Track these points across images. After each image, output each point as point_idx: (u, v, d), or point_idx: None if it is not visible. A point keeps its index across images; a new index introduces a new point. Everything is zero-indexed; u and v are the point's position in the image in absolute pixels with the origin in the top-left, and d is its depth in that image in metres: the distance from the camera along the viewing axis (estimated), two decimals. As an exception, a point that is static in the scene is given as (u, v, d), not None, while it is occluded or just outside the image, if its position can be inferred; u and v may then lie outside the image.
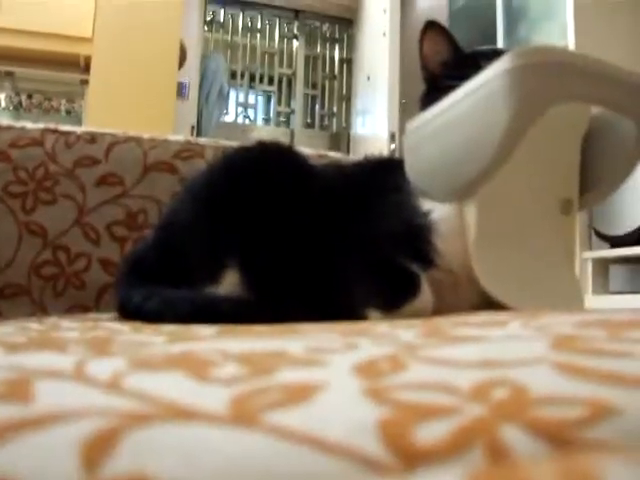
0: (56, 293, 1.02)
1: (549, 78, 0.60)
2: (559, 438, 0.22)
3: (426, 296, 0.65)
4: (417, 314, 0.63)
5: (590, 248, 2.88)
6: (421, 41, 0.79)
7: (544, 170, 0.68)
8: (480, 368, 0.28)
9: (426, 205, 0.68)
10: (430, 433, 0.22)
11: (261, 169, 0.79)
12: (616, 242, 2.71)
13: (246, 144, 0.87)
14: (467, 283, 0.67)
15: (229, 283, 0.72)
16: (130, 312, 0.72)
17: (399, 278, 0.66)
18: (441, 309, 0.66)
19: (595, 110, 0.70)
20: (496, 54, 0.67)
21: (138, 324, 0.63)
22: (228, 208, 0.75)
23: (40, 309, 1.01)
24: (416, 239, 0.67)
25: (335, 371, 0.29)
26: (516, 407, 0.23)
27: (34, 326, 0.64)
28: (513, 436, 0.22)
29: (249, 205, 0.75)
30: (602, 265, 2.85)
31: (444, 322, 0.48)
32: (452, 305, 0.67)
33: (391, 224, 0.69)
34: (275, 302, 0.68)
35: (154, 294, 0.70)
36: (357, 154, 4.37)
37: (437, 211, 0.67)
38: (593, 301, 2.69)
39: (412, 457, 0.21)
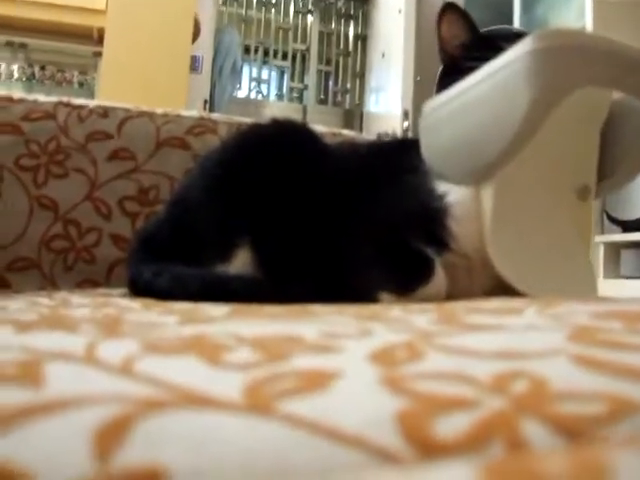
0: (66, 267, 1.02)
1: (572, 62, 0.59)
2: (579, 434, 0.22)
3: (440, 280, 0.65)
4: (430, 298, 0.63)
5: (602, 232, 2.87)
6: (439, 24, 0.77)
7: (562, 155, 0.67)
8: (498, 359, 0.28)
9: (442, 187, 0.67)
10: (450, 426, 0.21)
11: (275, 147, 0.78)
12: (628, 227, 2.70)
13: (260, 121, 0.86)
14: (481, 268, 0.66)
15: (240, 262, 0.72)
16: (140, 288, 0.72)
17: (413, 261, 0.66)
18: (454, 293, 0.66)
19: (616, 95, 0.69)
20: (517, 36, 0.66)
21: (148, 301, 0.63)
22: (241, 186, 0.75)
23: (50, 283, 1.00)
24: (431, 222, 0.66)
25: (350, 358, 0.28)
26: (536, 401, 0.23)
27: (44, 301, 0.64)
28: (533, 431, 0.22)
29: (262, 183, 0.75)
30: (613, 249, 2.83)
31: (458, 308, 0.48)
32: (465, 289, 0.67)
33: (406, 206, 0.68)
34: (286, 282, 0.68)
35: (164, 271, 0.70)
36: (370, 131, 4.37)
37: (453, 194, 0.67)
38: (604, 285, 2.68)
39: (431, 451, 0.21)
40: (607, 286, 2.68)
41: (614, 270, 2.81)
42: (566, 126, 0.65)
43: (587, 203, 0.68)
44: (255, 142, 0.81)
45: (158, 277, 0.70)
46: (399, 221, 0.68)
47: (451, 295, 0.66)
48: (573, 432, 0.22)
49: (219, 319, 0.42)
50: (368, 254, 0.67)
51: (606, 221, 2.86)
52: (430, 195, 0.67)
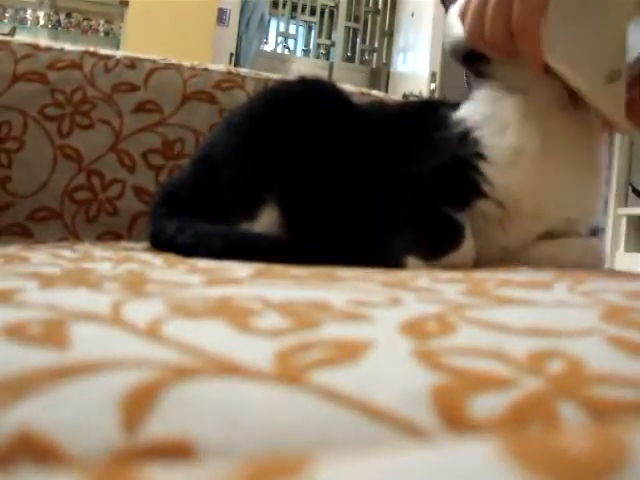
0: (88, 218, 1.02)
1: None
2: (615, 420, 0.21)
3: (468, 248, 0.64)
4: (457, 265, 0.62)
5: (626, 205, 2.83)
6: None
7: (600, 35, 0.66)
8: (532, 336, 0.27)
9: (475, 134, 0.66)
10: (486, 406, 0.21)
11: (303, 106, 0.77)
12: (653, 200, 2.66)
13: (288, 79, 0.85)
14: (516, 217, 0.65)
15: (265, 221, 0.71)
16: (163, 244, 0.72)
17: (443, 227, 0.65)
18: (484, 246, 0.65)
19: None
20: None
21: (171, 257, 0.62)
22: (268, 144, 0.74)
23: (72, 234, 1.00)
24: (464, 168, 0.65)
25: (382, 328, 0.28)
26: (573, 383, 0.22)
27: (66, 253, 0.64)
28: (570, 414, 0.21)
29: (289, 142, 0.73)
30: (637, 222, 2.80)
31: (487, 279, 0.47)
32: (497, 242, 0.66)
33: (436, 168, 0.67)
34: (311, 243, 0.67)
35: (188, 227, 0.70)
36: (396, 91, 4.31)
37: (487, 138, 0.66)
38: (626, 259, 2.65)
39: (465, 430, 0.20)
40: (629, 259, 2.65)
41: (636, 244, 2.78)
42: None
43: (616, 84, 0.67)
44: (283, 100, 0.79)
45: (181, 233, 0.69)
46: (429, 185, 0.66)
47: (480, 247, 0.65)
48: (609, 417, 0.21)
49: (244, 281, 0.41)
50: (397, 217, 0.66)
51: (631, 194, 2.82)
52: (461, 144, 0.66)
